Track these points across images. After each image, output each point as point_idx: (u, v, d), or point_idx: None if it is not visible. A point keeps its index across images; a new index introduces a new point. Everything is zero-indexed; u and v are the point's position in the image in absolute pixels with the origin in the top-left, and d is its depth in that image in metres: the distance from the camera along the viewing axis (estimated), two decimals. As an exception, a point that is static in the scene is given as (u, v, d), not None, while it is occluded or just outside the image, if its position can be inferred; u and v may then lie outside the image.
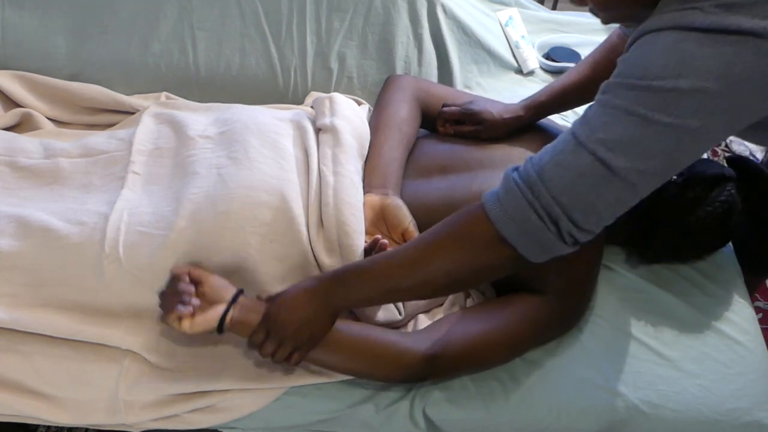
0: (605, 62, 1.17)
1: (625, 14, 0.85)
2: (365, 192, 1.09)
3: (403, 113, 1.21)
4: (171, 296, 0.94)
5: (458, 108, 1.23)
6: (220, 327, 0.94)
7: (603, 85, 0.79)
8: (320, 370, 1.02)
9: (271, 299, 0.94)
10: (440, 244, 0.87)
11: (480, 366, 1.04)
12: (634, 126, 0.74)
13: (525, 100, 1.24)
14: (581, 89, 1.20)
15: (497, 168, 1.13)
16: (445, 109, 1.24)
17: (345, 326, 1.00)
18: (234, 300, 0.95)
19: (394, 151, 1.14)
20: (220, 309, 0.94)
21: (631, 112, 0.74)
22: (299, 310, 0.92)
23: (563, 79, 1.22)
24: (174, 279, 0.96)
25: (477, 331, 1.01)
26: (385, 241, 1.00)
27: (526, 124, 1.21)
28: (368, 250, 1.01)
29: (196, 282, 0.96)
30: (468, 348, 1.00)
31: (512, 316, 1.02)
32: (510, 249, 0.82)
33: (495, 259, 0.85)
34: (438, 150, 1.20)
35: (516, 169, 0.83)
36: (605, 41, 1.19)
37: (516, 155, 1.15)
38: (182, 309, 0.91)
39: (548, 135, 1.22)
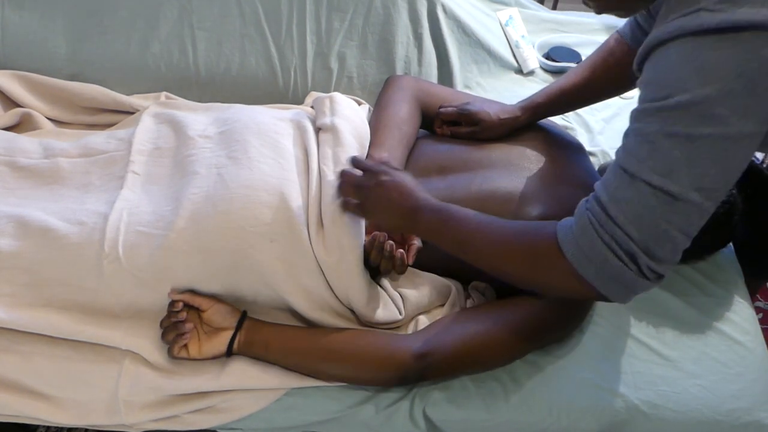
0: (603, 65, 1.17)
1: (620, 3, 0.84)
2: None
3: (403, 113, 1.21)
4: (170, 329, 0.99)
5: (455, 109, 1.22)
6: (229, 351, 1.01)
7: (632, 113, 0.78)
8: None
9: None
10: (512, 256, 0.88)
11: (477, 366, 1.04)
12: (678, 147, 0.73)
13: (522, 101, 1.24)
14: (579, 92, 1.20)
15: (496, 168, 1.13)
16: (442, 110, 1.24)
17: (337, 333, 1.02)
18: (240, 324, 1.02)
19: (393, 150, 1.14)
20: (227, 334, 1.00)
21: (671, 134, 0.73)
22: (395, 196, 0.95)
23: (561, 82, 1.22)
24: (169, 307, 1.00)
25: (474, 330, 1.01)
26: (385, 235, 1.01)
27: (523, 125, 1.21)
28: (368, 248, 1.01)
29: (198, 309, 1.01)
30: (463, 346, 1.00)
31: (512, 318, 1.02)
32: (588, 287, 0.82)
33: (569, 289, 0.85)
34: (437, 150, 1.20)
35: (586, 205, 0.82)
36: (603, 45, 1.19)
37: (515, 155, 1.15)
38: (183, 338, 0.98)
39: (547, 135, 1.22)
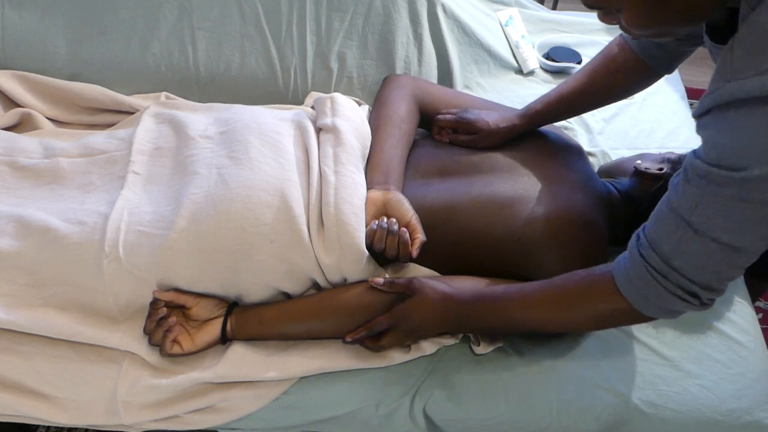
0: (604, 71, 1.16)
1: (663, 32, 0.82)
2: (367, 189, 1.09)
3: (402, 111, 1.21)
4: (155, 329, 0.99)
5: (453, 116, 1.22)
6: (224, 336, 1.02)
7: (701, 169, 0.76)
8: (319, 357, 1.03)
9: (402, 302, 1.01)
10: (568, 309, 0.94)
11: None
12: (752, 210, 0.74)
13: (521, 109, 1.23)
14: (578, 98, 1.20)
15: (496, 172, 1.13)
16: (440, 117, 1.24)
17: (328, 291, 1.06)
18: (230, 311, 1.03)
19: (394, 148, 1.15)
20: (218, 321, 1.01)
21: (747, 200, 0.73)
22: (431, 316, 1.00)
23: (560, 88, 1.22)
24: (150, 307, 1.01)
25: (468, 279, 1.06)
26: (388, 217, 1.03)
27: (521, 133, 1.21)
28: (370, 234, 1.02)
29: (183, 307, 1.02)
30: (451, 285, 1.02)
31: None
32: (651, 319, 0.89)
33: (625, 322, 0.97)
34: (438, 153, 1.20)
35: (639, 251, 0.85)
36: (604, 50, 1.17)
37: (515, 159, 1.16)
38: (170, 333, 0.99)
39: (547, 138, 1.22)
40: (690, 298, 0.82)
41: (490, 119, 1.20)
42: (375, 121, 1.21)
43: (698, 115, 0.78)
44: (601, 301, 0.90)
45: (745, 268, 0.81)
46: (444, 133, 1.23)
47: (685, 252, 0.80)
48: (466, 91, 1.51)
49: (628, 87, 1.19)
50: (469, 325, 1.03)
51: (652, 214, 0.84)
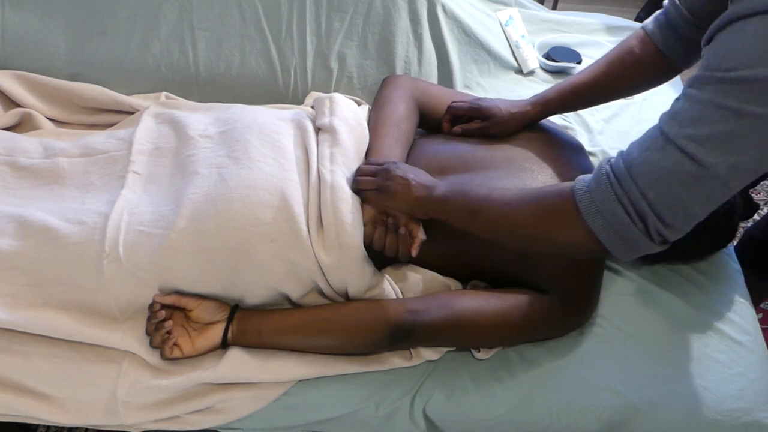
0: (619, 64, 1.15)
1: None
2: None
3: (401, 111, 1.21)
4: (155, 333, 1.00)
5: (466, 103, 1.23)
6: (224, 342, 1.02)
7: (690, 78, 0.77)
8: (319, 361, 1.03)
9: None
10: (523, 211, 0.90)
11: (464, 336, 1.05)
12: (724, 120, 0.72)
13: (534, 96, 1.23)
14: (592, 89, 1.18)
15: (497, 168, 1.13)
16: (453, 104, 1.24)
17: (328, 305, 1.05)
18: (231, 315, 1.03)
19: (393, 148, 1.15)
20: (220, 327, 1.02)
21: (722, 106, 0.72)
22: (414, 176, 1.02)
23: (574, 78, 1.21)
24: (148, 310, 1.01)
25: (467, 301, 1.04)
26: (391, 219, 1.03)
27: (533, 120, 1.21)
28: (369, 233, 1.03)
29: (185, 309, 1.02)
30: (453, 313, 1.02)
31: (506, 301, 1.04)
32: (594, 240, 0.83)
33: (575, 243, 0.86)
34: (437, 150, 1.20)
35: (609, 161, 0.83)
36: (622, 42, 1.16)
37: (515, 155, 1.15)
38: (170, 337, 0.99)
39: (548, 135, 1.22)
40: (636, 217, 0.79)
41: (503, 105, 1.20)
42: (374, 121, 1.21)
43: (706, 40, 0.78)
44: (554, 197, 0.87)
45: (704, 209, 0.78)
46: (456, 127, 1.23)
47: (648, 160, 0.77)
48: (466, 91, 1.51)
49: (644, 80, 1.17)
50: (436, 203, 1.01)
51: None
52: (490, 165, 1.14)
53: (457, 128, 1.22)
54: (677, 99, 0.78)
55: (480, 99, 1.23)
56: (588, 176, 0.85)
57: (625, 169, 0.79)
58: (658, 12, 1.11)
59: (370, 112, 1.27)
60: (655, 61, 1.11)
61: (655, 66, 1.12)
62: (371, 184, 1.04)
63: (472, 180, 1.11)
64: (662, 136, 0.77)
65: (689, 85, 0.77)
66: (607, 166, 0.82)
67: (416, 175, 1.03)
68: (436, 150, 1.20)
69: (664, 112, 0.80)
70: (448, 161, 1.16)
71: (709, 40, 0.78)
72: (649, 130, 0.81)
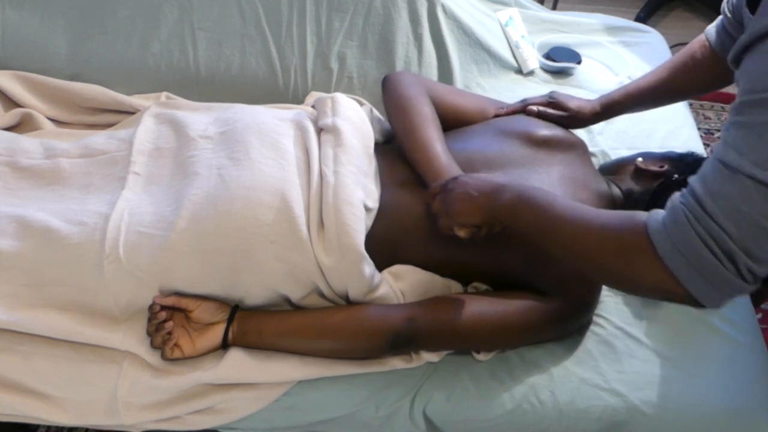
0: (682, 67, 1.19)
1: None
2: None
3: (428, 109, 1.20)
4: (156, 334, 1.00)
5: (544, 97, 1.28)
6: (225, 343, 1.02)
7: (733, 107, 0.74)
8: (319, 363, 1.03)
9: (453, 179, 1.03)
10: (598, 247, 0.83)
11: (464, 340, 1.05)
12: None
13: (601, 97, 1.28)
14: (656, 92, 1.22)
15: (503, 169, 1.13)
16: (531, 99, 1.29)
17: (329, 310, 1.05)
18: (232, 316, 1.03)
19: (444, 156, 1.12)
20: (220, 327, 1.02)
21: None
22: (476, 187, 0.99)
23: (638, 81, 1.25)
24: (149, 311, 1.01)
25: (466, 306, 1.03)
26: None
27: (599, 120, 1.28)
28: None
29: (185, 310, 1.02)
30: (452, 318, 1.02)
31: (507, 305, 1.04)
32: (678, 286, 0.76)
33: (657, 287, 0.78)
34: (452, 150, 1.18)
35: (681, 197, 0.77)
36: (686, 47, 1.20)
37: (522, 157, 1.16)
38: (171, 338, 0.99)
39: (553, 139, 1.21)
40: (724, 257, 0.72)
41: (576, 103, 1.27)
42: (408, 124, 1.17)
43: (733, 58, 0.77)
44: (627, 231, 0.80)
45: None
46: (533, 106, 1.27)
47: (719, 195, 0.72)
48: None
49: (705, 83, 1.20)
50: (504, 209, 0.94)
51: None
52: (496, 166, 1.14)
53: (533, 108, 1.26)
54: (725, 129, 0.75)
55: (555, 92, 1.29)
56: (658, 213, 0.78)
57: (699, 207, 0.74)
58: (719, 18, 1.14)
59: (393, 110, 1.22)
60: (714, 64, 1.14)
61: (714, 69, 1.14)
62: (437, 208, 1.03)
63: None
64: (725, 167, 0.73)
65: (735, 113, 0.74)
66: (682, 206, 0.75)
67: (477, 185, 0.98)
68: (455, 150, 1.18)
69: (715, 145, 0.78)
70: (462, 162, 1.14)
71: (737, 61, 0.77)
72: (704, 166, 0.76)
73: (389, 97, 1.24)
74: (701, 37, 1.17)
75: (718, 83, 1.18)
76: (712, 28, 1.15)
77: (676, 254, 0.75)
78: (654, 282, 0.78)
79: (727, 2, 1.10)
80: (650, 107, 1.29)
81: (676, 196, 0.78)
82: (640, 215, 0.80)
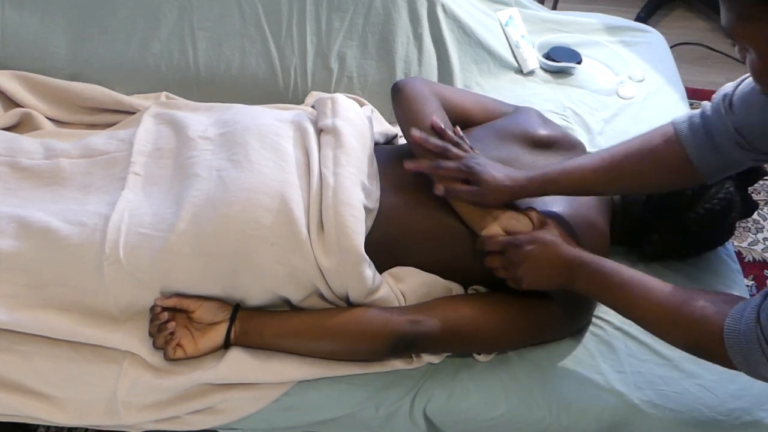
0: (638, 157, 1.03)
1: None
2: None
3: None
4: (158, 334, 0.99)
5: (457, 165, 1.07)
6: (227, 343, 1.02)
7: None
8: (319, 363, 1.03)
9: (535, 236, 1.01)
10: (673, 334, 0.92)
11: (465, 343, 1.06)
12: None
13: (535, 172, 1.08)
14: (600, 178, 1.05)
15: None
16: (441, 164, 1.08)
17: (331, 311, 1.04)
18: (234, 315, 1.02)
19: None
20: (222, 327, 1.02)
21: None
22: (545, 260, 0.99)
23: (583, 162, 1.08)
24: (150, 312, 1.01)
25: (467, 309, 1.04)
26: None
27: (527, 197, 1.09)
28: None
29: (186, 311, 1.02)
30: (455, 321, 1.02)
31: (507, 307, 1.05)
32: (730, 365, 0.86)
33: (713, 361, 0.89)
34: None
35: (759, 313, 0.81)
36: (645, 135, 1.04)
37: (521, 159, 1.15)
38: (173, 338, 0.99)
39: (551, 140, 1.19)
40: None
41: (498, 174, 1.06)
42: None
43: None
44: (703, 337, 0.87)
45: None
46: (441, 186, 1.08)
47: None
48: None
49: (659, 182, 1.05)
50: (577, 287, 0.99)
51: None
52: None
53: (441, 188, 1.07)
54: None
55: (473, 159, 1.08)
56: (740, 321, 0.83)
57: (763, 333, 0.79)
58: (694, 113, 1.00)
59: (401, 124, 1.19)
60: (679, 166, 1.00)
61: (677, 171, 1.01)
62: (497, 264, 1.02)
63: None
64: None
65: None
66: (758, 329, 0.80)
67: (548, 260, 0.99)
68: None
69: None
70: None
71: None
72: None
73: (401, 109, 1.19)
74: (667, 130, 1.01)
75: (676, 185, 1.07)
76: (683, 124, 0.99)
77: (745, 365, 0.84)
78: (713, 360, 0.89)
79: (725, 99, 0.95)
80: (593, 194, 1.11)
81: (754, 305, 0.82)
82: (718, 315, 0.85)
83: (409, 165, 1.10)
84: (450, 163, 1.08)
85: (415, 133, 1.10)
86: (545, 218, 1.04)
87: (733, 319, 0.83)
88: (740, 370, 0.85)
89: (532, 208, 1.06)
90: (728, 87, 0.97)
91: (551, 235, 1.01)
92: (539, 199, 1.10)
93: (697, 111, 1.00)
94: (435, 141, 1.10)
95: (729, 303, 0.86)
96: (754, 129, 0.93)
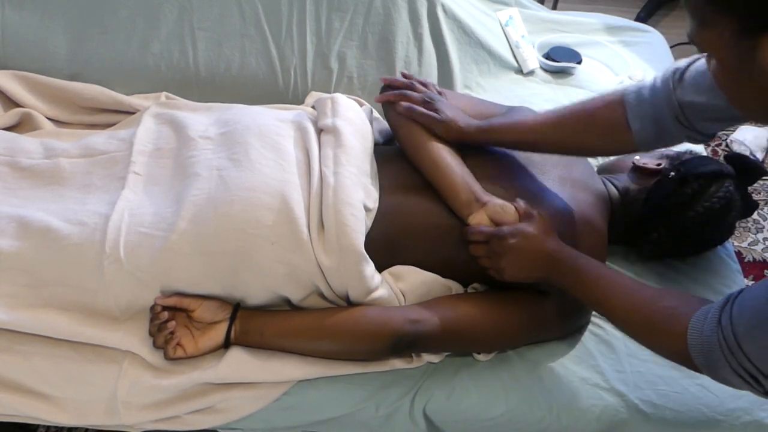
0: (573, 120, 1.08)
1: (738, 108, 0.80)
2: (464, 213, 1.06)
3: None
4: (158, 334, 0.99)
5: (421, 96, 1.16)
6: (227, 342, 1.02)
7: None
8: (319, 362, 1.03)
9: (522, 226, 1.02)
10: (640, 330, 0.92)
11: (465, 342, 1.06)
12: None
13: (486, 123, 1.15)
14: (535, 135, 1.11)
15: (499, 173, 1.14)
16: (407, 92, 1.16)
17: (331, 311, 1.04)
18: (234, 315, 1.02)
19: (462, 166, 1.11)
20: (222, 326, 1.02)
21: None
22: (527, 253, 1.00)
23: (524, 117, 1.14)
24: (150, 311, 1.01)
25: (467, 308, 1.04)
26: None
27: (469, 142, 1.14)
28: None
29: (186, 310, 1.02)
30: (455, 320, 1.02)
31: (507, 306, 1.05)
32: (693, 366, 0.85)
33: (674, 359, 0.89)
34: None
35: (720, 315, 0.80)
36: (591, 101, 1.09)
37: (518, 159, 1.16)
38: (173, 338, 0.99)
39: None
40: (751, 380, 0.78)
41: (453, 113, 1.14)
42: (419, 134, 1.14)
43: None
44: (668, 337, 0.87)
45: None
46: (402, 103, 1.15)
47: (758, 341, 0.76)
48: (466, 91, 1.51)
49: (598, 145, 1.10)
50: (556, 280, 1.00)
51: (752, 287, 0.80)
52: (492, 170, 1.14)
53: (402, 105, 1.14)
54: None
55: (436, 95, 1.17)
56: (703, 322, 0.82)
57: (735, 343, 0.77)
58: (645, 82, 1.04)
59: (406, 130, 1.17)
60: (616, 130, 1.04)
61: (612, 134, 1.05)
62: (480, 252, 1.04)
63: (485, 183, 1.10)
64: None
65: None
66: (719, 332, 0.79)
67: (530, 254, 1.00)
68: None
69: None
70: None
71: None
72: (757, 297, 0.78)
73: (391, 110, 1.20)
74: (615, 96, 1.05)
75: (610, 151, 1.12)
76: (632, 92, 1.03)
77: (708, 368, 0.82)
78: (675, 358, 0.88)
79: (675, 73, 0.99)
80: (528, 150, 1.15)
81: (717, 312, 0.81)
82: (683, 317, 0.85)
83: (378, 97, 1.18)
84: (415, 94, 1.17)
85: (385, 77, 1.19)
86: (531, 210, 1.04)
87: (698, 320, 0.83)
88: (703, 373, 0.84)
89: (521, 200, 1.07)
90: (683, 62, 1.01)
91: (534, 228, 1.01)
92: (538, 194, 1.10)
93: (649, 81, 1.03)
94: (403, 79, 1.21)
95: (698, 304, 0.86)
96: (696, 108, 0.97)
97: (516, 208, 1.05)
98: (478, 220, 1.05)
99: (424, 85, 1.21)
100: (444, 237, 1.08)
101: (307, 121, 1.17)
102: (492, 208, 1.05)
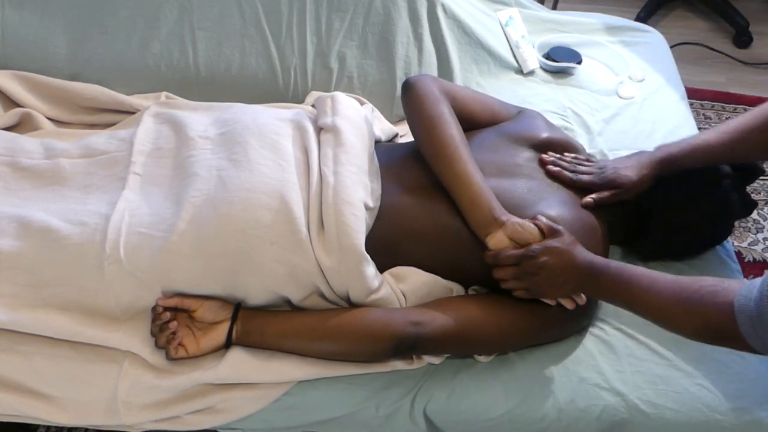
0: (755, 131, 1.10)
1: None
2: (482, 231, 1.05)
3: (456, 131, 1.12)
4: (160, 334, 1.00)
5: (592, 179, 1.16)
6: (228, 342, 1.02)
7: None
8: (319, 363, 1.03)
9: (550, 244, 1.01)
10: (684, 322, 0.93)
11: (468, 344, 1.05)
12: None
13: (657, 151, 1.17)
14: (722, 152, 1.13)
15: (501, 175, 1.13)
16: (583, 179, 1.16)
17: (332, 312, 1.04)
18: (235, 315, 1.02)
19: (483, 178, 1.09)
20: (224, 326, 1.02)
21: None
22: (561, 269, 1.00)
23: (706, 137, 1.15)
24: (152, 312, 1.01)
25: (468, 310, 1.04)
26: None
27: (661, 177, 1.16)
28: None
29: (188, 310, 1.02)
30: (456, 322, 1.02)
31: (509, 308, 1.04)
32: (750, 349, 0.88)
33: (730, 346, 0.92)
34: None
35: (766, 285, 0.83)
36: (760, 112, 1.11)
37: (520, 161, 1.17)
38: (175, 338, 0.99)
39: (551, 142, 1.21)
40: None
41: (630, 171, 1.15)
42: (441, 146, 1.10)
43: None
44: (714, 318, 0.88)
45: None
46: (589, 198, 1.15)
47: None
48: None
49: None
50: (594, 291, 1.02)
51: None
52: (494, 172, 1.13)
53: (590, 199, 1.14)
54: None
55: (603, 170, 1.17)
56: (750, 297, 0.84)
57: None
58: None
59: (423, 131, 1.14)
60: None
61: None
62: (507, 276, 1.03)
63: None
64: None
65: None
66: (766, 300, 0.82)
67: (564, 273, 1.00)
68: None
69: None
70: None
71: None
72: None
73: (411, 107, 1.17)
74: None
75: None
76: None
77: (758, 339, 0.84)
78: (731, 348, 0.91)
79: None
80: (714, 164, 1.18)
81: (764, 286, 0.83)
82: (726, 292, 0.87)
83: (553, 169, 1.16)
84: (585, 177, 1.16)
85: (545, 156, 1.18)
86: (555, 226, 1.03)
87: (743, 296, 0.85)
88: (754, 347, 0.85)
89: (539, 216, 1.06)
90: None
91: (562, 243, 1.01)
92: (536, 201, 1.10)
93: None
94: (565, 163, 1.19)
95: (738, 283, 0.88)
96: None
97: (537, 226, 1.04)
98: (497, 240, 1.04)
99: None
100: (446, 238, 1.08)
101: (306, 120, 1.17)
102: (511, 227, 1.03)
